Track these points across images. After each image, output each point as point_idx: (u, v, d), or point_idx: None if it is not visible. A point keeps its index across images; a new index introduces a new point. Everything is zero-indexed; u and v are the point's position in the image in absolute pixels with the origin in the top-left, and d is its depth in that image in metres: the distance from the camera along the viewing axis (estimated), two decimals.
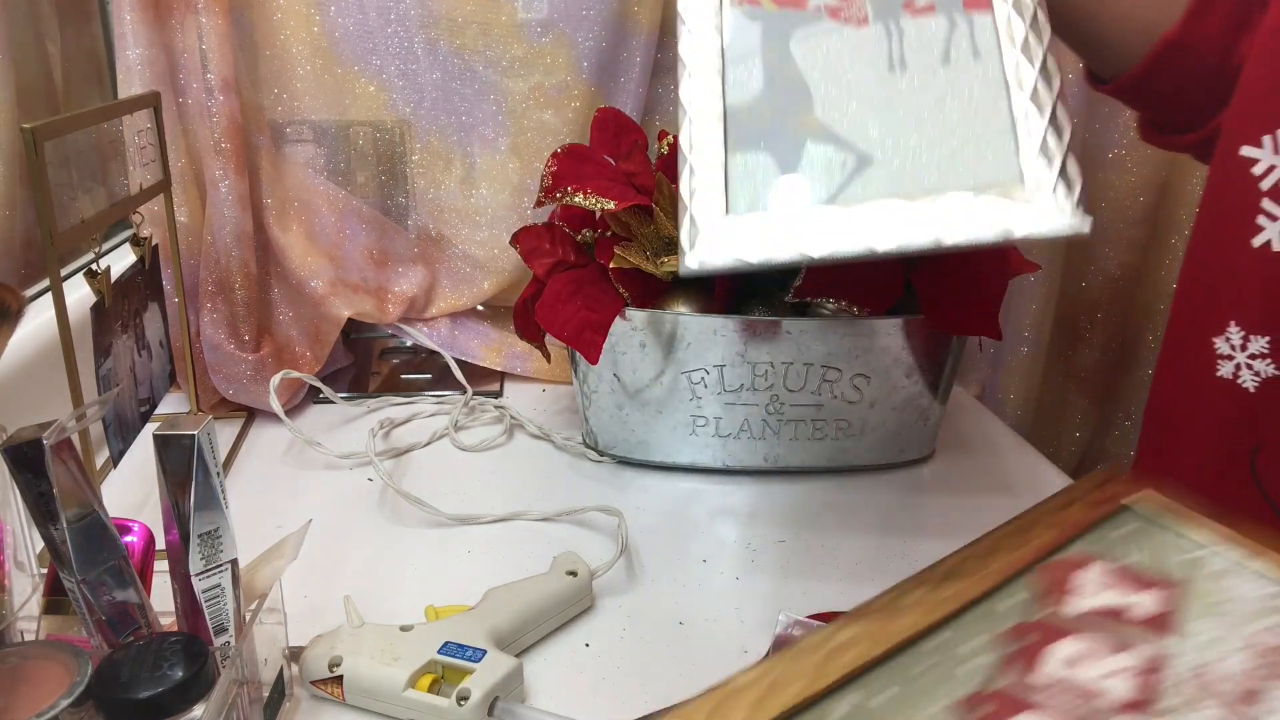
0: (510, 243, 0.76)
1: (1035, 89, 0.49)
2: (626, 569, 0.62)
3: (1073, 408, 1.11)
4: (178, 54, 0.78)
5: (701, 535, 0.66)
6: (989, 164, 0.48)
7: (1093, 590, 0.40)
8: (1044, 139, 0.47)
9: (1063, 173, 0.46)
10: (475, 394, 0.87)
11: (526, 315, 0.74)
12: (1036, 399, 1.08)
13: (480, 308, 0.95)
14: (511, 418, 0.82)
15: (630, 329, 0.70)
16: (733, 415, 0.71)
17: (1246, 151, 0.55)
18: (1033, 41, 0.51)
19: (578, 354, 0.71)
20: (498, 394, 0.88)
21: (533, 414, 0.84)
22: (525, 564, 0.61)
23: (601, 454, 0.76)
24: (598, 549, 0.63)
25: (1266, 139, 0.54)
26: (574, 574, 0.57)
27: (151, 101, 0.70)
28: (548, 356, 0.81)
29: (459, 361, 0.90)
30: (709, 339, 0.69)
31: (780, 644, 0.50)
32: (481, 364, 0.91)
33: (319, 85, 0.86)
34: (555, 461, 0.77)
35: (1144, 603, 0.39)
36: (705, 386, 0.70)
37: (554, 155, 0.79)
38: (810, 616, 0.52)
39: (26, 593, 0.49)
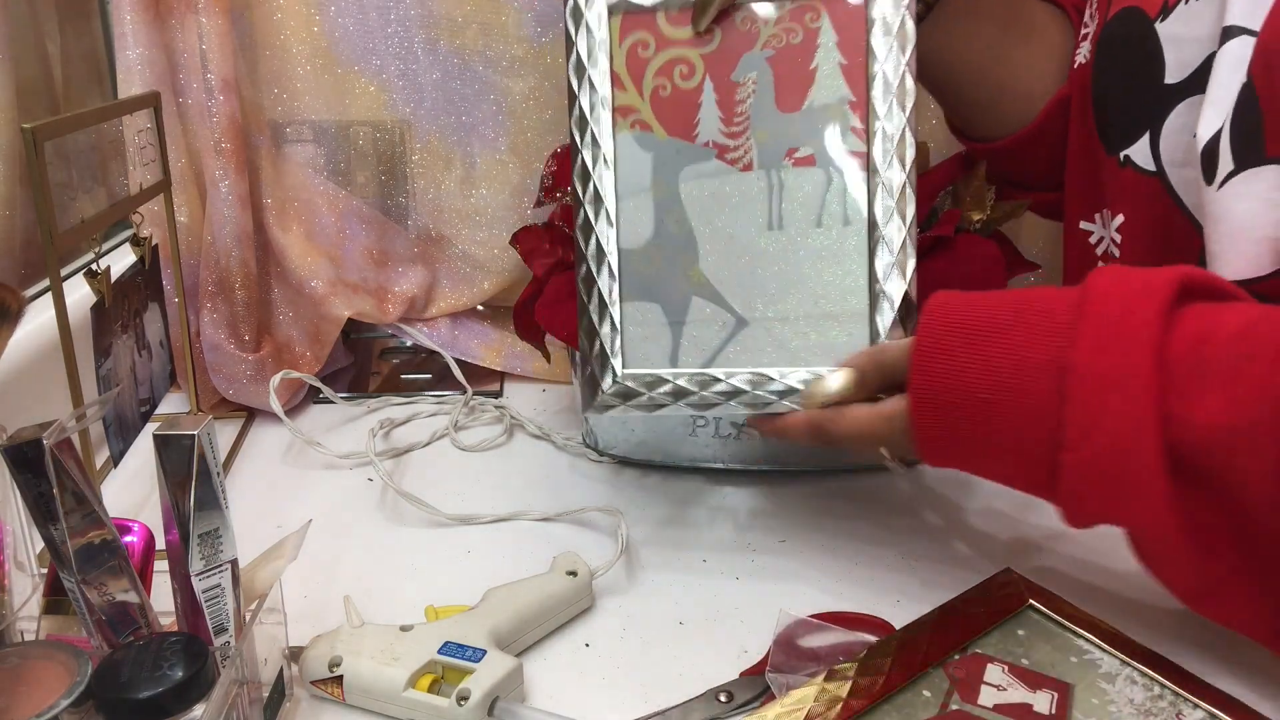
0: (510, 243, 0.76)
1: (891, 270, 0.54)
2: (626, 569, 0.62)
3: None
4: (178, 54, 0.78)
5: (701, 535, 0.66)
6: (844, 342, 0.55)
7: (1001, 685, 0.46)
8: (891, 326, 0.53)
9: None
10: (475, 394, 0.87)
11: (526, 315, 0.74)
12: None
13: (480, 308, 0.95)
14: (511, 418, 0.82)
15: None
16: None
17: (1084, 225, 0.70)
18: (898, 214, 0.53)
19: (578, 354, 0.71)
20: (498, 394, 0.88)
21: (533, 414, 0.84)
22: (525, 564, 0.61)
23: (601, 454, 0.76)
24: (598, 549, 0.63)
25: (1096, 215, 0.69)
26: (574, 574, 0.57)
27: (151, 101, 0.70)
28: (547, 357, 0.81)
29: (459, 361, 0.90)
30: None
31: (780, 644, 0.50)
32: (481, 364, 0.91)
33: (319, 85, 0.86)
34: (555, 461, 0.77)
35: (1041, 701, 0.45)
36: None
37: (554, 155, 0.79)
38: (810, 616, 0.52)
39: (26, 593, 0.49)
